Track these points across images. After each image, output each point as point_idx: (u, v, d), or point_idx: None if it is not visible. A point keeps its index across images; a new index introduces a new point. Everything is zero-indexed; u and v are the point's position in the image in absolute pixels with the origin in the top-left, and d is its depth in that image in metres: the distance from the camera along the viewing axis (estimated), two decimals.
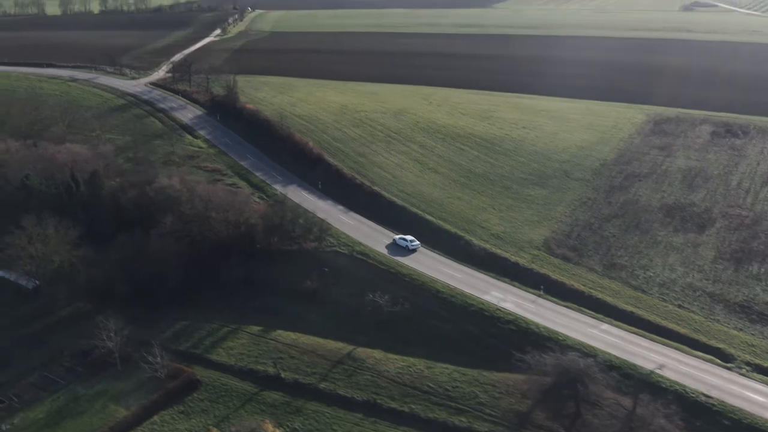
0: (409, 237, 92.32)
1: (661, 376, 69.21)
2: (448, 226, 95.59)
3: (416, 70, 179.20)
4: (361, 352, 75.34)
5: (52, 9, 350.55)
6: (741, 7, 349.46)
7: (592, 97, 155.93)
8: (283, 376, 73.09)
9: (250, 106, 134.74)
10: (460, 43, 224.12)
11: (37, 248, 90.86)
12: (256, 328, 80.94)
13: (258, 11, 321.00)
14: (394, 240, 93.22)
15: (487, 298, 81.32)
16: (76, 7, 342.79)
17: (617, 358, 72.00)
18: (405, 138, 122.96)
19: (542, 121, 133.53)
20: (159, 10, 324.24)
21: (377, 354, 74.91)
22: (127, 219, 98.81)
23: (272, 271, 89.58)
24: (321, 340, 77.66)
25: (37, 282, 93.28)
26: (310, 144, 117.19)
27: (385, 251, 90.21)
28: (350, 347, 76.04)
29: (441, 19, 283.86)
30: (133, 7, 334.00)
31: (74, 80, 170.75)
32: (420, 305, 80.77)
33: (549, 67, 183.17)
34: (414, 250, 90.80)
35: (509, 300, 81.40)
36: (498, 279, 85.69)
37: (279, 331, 79.80)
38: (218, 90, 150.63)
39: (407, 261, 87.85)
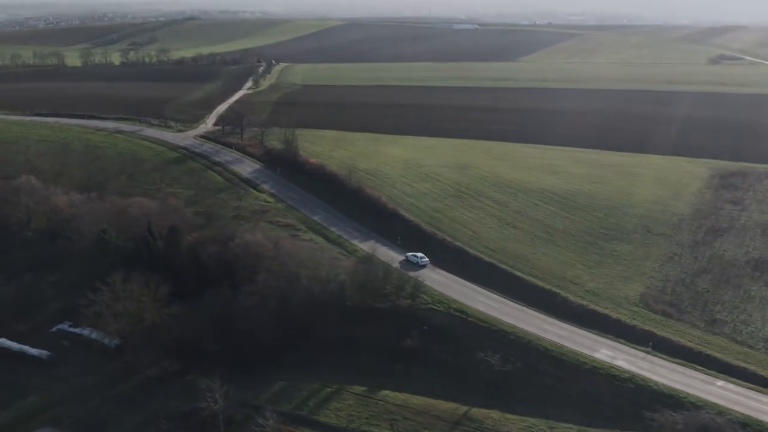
0: (419, 254, 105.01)
1: None
2: (541, 283, 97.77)
3: (464, 123, 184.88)
4: (477, 412, 76.26)
5: (72, 60, 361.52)
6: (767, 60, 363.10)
7: (648, 150, 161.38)
8: None
9: (313, 160, 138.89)
10: (498, 96, 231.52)
11: (125, 306, 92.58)
12: (359, 389, 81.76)
13: (283, 64, 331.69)
14: (406, 257, 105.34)
15: (597, 355, 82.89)
16: (97, 59, 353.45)
17: (742, 414, 73.26)
18: (476, 193, 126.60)
19: (609, 176, 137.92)
20: (182, 62, 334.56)
21: (494, 414, 75.82)
22: (207, 275, 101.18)
23: (367, 330, 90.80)
24: (432, 401, 78.55)
25: (119, 340, 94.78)
26: (383, 198, 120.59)
27: (483, 309, 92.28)
28: (465, 408, 76.95)
29: (470, 73, 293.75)
30: (155, 59, 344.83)
31: (120, 132, 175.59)
32: (530, 363, 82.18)
33: (595, 120, 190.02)
34: (423, 266, 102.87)
35: (620, 357, 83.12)
36: (602, 336, 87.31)
37: (385, 392, 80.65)
38: (272, 143, 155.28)
39: (509, 319, 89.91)
